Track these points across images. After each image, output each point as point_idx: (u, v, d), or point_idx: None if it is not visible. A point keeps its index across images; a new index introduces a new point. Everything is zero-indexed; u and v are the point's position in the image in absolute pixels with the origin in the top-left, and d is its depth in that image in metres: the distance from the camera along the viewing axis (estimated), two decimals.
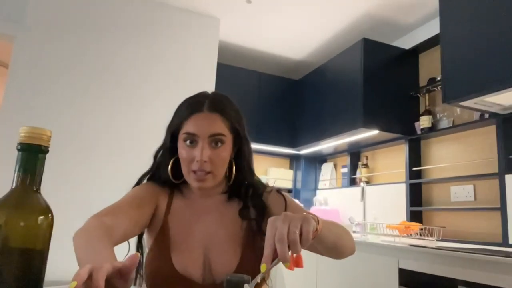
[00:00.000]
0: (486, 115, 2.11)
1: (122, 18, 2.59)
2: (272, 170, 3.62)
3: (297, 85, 3.53)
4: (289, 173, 3.71)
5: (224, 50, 3.27)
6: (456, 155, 2.37)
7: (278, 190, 1.01)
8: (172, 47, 2.69)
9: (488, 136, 2.15)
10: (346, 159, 3.32)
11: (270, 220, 0.61)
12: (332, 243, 0.78)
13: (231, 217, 0.95)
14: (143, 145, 2.36)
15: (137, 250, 0.97)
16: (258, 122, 3.29)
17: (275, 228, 0.59)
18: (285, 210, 0.94)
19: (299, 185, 3.67)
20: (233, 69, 3.29)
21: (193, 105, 0.91)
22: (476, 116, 2.21)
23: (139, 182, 0.97)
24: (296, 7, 2.66)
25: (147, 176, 0.98)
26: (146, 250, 0.94)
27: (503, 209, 1.94)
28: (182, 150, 0.89)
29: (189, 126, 0.88)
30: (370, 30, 2.83)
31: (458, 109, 2.32)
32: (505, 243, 1.91)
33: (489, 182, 2.10)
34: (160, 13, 2.69)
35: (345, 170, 3.28)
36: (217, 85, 2.73)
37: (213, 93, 0.96)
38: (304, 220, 0.61)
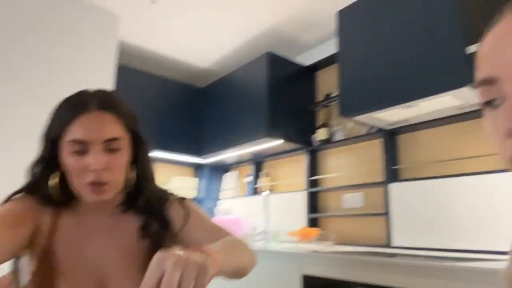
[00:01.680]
0: (374, 130, 2.35)
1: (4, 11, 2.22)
2: (175, 179, 3.48)
3: (202, 93, 3.48)
4: (193, 182, 3.62)
5: (126, 52, 3.06)
6: (349, 166, 2.59)
7: (181, 199, 0.93)
8: (65, 45, 2.41)
9: (376, 148, 2.40)
10: (250, 169, 3.37)
11: (156, 257, 0.50)
12: (232, 271, 0.71)
13: (129, 236, 0.83)
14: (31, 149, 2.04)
15: (13, 278, 0.80)
16: (161, 129, 3.14)
17: (161, 271, 0.48)
18: (186, 223, 0.87)
19: (202, 194, 3.60)
20: (135, 73, 3.09)
21: (77, 105, 0.75)
22: (364, 130, 2.44)
23: (7, 200, 0.78)
24: (203, 14, 2.63)
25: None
26: (26, 278, 0.79)
27: (387, 214, 2.17)
28: (70, 160, 0.74)
29: (76, 131, 0.73)
30: (274, 45, 2.94)
31: (350, 123, 2.54)
32: (388, 244, 2.14)
33: (376, 190, 2.33)
34: (49, 6, 2.39)
35: (249, 179, 3.33)
36: (116, 88, 2.53)
37: (98, 90, 0.82)
38: (200, 269, 0.51)
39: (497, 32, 0.41)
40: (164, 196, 0.91)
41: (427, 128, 2.14)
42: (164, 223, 0.87)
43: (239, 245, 0.82)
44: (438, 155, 2.08)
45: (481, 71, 0.41)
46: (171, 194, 0.94)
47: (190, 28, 2.80)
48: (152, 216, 0.86)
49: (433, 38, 1.74)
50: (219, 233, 0.87)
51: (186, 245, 0.88)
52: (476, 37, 1.56)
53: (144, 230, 0.84)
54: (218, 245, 0.70)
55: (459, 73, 1.62)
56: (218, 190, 3.66)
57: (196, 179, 3.65)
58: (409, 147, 2.23)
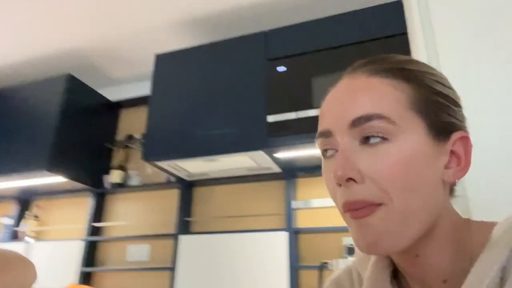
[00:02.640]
0: (173, 179, 2.31)
1: None
2: None
3: None
4: None
5: None
6: (140, 214, 2.42)
7: None
8: None
9: (171, 199, 2.34)
10: (11, 207, 2.69)
11: None
12: None
13: None
14: None
15: None
16: None
17: None
18: None
19: None
20: None
21: None
22: (163, 178, 2.37)
23: None
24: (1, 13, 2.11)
25: None
26: None
27: (173, 269, 2.08)
28: None
29: None
30: (78, 69, 2.61)
31: (150, 169, 2.41)
32: None
33: (165, 242, 2.23)
34: None
35: (8, 220, 2.63)
36: None
37: None
38: None
39: (334, 93, 0.47)
40: None
41: (222, 184, 2.26)
42: None
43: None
44: (228, 210, 2.20)
45: (320, 125, 0.47)
46: None
47: None
48: None
49: (240, 103, 1.91)
50: None
51: None
52: (275, 110, 1.80)
53: None
54: None
55: (258, 137, 1.80)
56: None
57: None
58: (204, 201, 2.28)
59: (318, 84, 1.78)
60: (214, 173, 2.15)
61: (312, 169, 2.00)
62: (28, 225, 2.55)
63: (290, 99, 1.80)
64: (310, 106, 1.73)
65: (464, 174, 0.44)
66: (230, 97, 1.95)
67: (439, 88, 0.45)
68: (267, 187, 2.16)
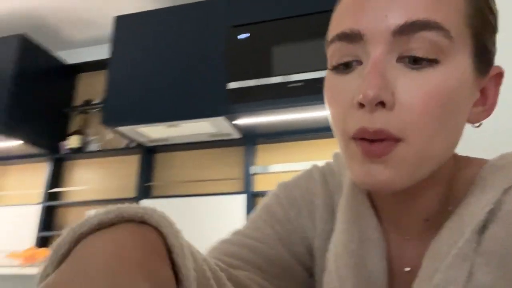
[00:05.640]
0: (133, 144, 2.31)
1: None
2: None
3: None
4: None
5: None
6: (100, 179, 2.41)
7: None
8: None
9: (131, 164, 2.34)
10: None
11: None
12: None
13: None
14: None
15: None
16: None
17: None
18: None
19: None
20: None
21: None
22: (124, 144, 2.36)
23: None
24: None
25: None
26: None
27: None
28: None
29: None
30: (32, 30, 2.49)
31: (110, 134, 2.39)
32: None
33: None
34: None
35: None
36: None
37: None
38: None
39: None
40: None
41: (183, 149, 2.29)
42: None
43: None
44: (189, 175, 2.24)
45: (343, 24, 0.35)
46: None
47: None
48: None
49: (201, 69, 1.93)
50: None
51: None
52: (236, 77, 1.84)
53: None
54: None
55: (219, 104, 1.84)
56: None
57: None
58: (164, 166, 2.31)
59: (279, 52, 1.82)
60: (175, 138, 2.17)
61: (271, 135, 2.08)
62: None
63: (251, 66, 1.84)
64: (271, 74, 1.77)
65: (487, 116, 0.38)
66: (191, 62, 1.95)
67: (493, 6, 0.37)
68: (228, 152, 2.21)
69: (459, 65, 0.33)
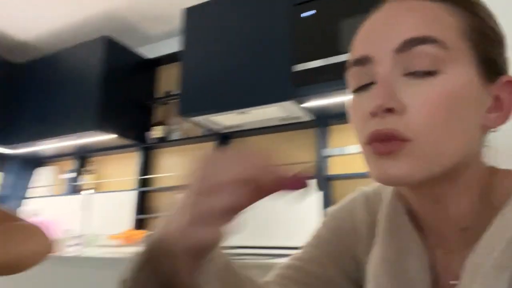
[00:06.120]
0: (209, 132, 2.39)
1: None
2: None
3: (19, 69, 2.90)
4: None
5: None
6: (183, 166, 2.57)
7: None
8: None
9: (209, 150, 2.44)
10: (71, 164, 2.98)
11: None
12: None
13: None
14: None
15: None
16: None
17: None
18: None
19: (8, 191, 2.98)
20: None
21: None
22: (200, 132, 2.46)
23: None
24: None
25: None
26: None
27: None
28: None
29: None
30: (114, 31, 2.69)
31: (188, 123, 2.51)
32: None
33: None
34: None
35: (69, 175, 2.93)
36: None
37: None
38: None
39: (375, 16, 0.42)
40: None
41: (256, 134, 2.31)
42: None
43: (19, 231, 0.69)
44: None
45: (356, 52, 0.42)
46: None
47: None
48: None
49: (267, 53, 1.90)
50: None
51: None
52: (301, 58, 1.77)
53: None
54: None
55: (285, 88, 1.80)
56: (26, 188, 3.09)
57: (1, 174, 3.01)
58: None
59: (346, 27, 1.69)
60: (247, 124, 2.19)
61: (345, 116, 1.97)
62: (85, 179, 2.83)
63: (317, 46, 1.75)
64: (338, 52, 1.67)
65: (505, 121, 0.41)
66: (257, 48, 1.93)
67: (493, 23, 0.41)
68: (300, 135, 2.18)
69: (460, 73, 0.38)
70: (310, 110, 1.94)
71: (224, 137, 2.37)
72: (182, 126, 2.57)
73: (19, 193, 3.04)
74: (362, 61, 0.41)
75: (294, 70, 1.78)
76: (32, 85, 2.81)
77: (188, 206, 0.32)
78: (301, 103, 1.85)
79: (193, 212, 0.32)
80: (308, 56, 1.75)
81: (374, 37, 0.40)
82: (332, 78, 1.66)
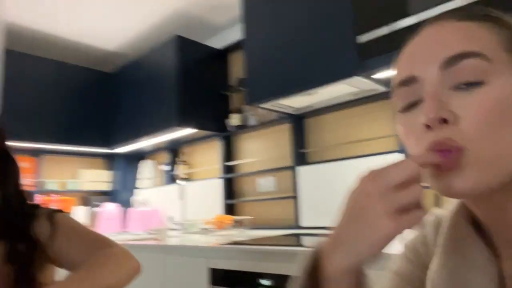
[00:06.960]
0: (282, 115, 2.39)
1: None
2: (83, 172, 3.26)
3: (109, 78, 3.25)
4: (104, 174, 3.42)
5: (16, 35, 2.72)
6: (262, 150, 2.63)
7: (51, 213, 0.87)
8: None
9: (285, 133, 2.45)
10: (166, 156, 3.27)
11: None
12: None
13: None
14: None
15: None
16: (61, 119, 2.88)
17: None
18: (53, 239, 0.82)
19: (118, 186, 3.43)
20: (27, 58, 2.77)
21: None
22: (274, 116, 2.47)
23: None
24: None
25: None
26: None
27: (296, 196, 2.25)
28: None
29: None
30: (183, 27, 2.81)
31: (259, 110, 2.54)
32: (296, 225, 2.23)
33: (286, 174, 2.40)
34: None
35: (166, 167, 3.23)
36: (6, 75, 2.24)
37: None
38: None
39: (418, 39, 0.45)
40: (30, 213, 0.85)
41: (330, 112, 2.23)
42: (32, 243, 0.81)
43: (109, 262, 0.78)
44: (340, 137, 2.18)
45: (401, 73, 0.44)
46: (40, 208, 0.88)
47: (91, 8, 2.56)
48: (17, 238, 0.80)
49: (328, 29, 1.78)
50: (95, 246, 0.84)
51: (61, 262, 0.85)
52: (364, 28, 1.63)
53: (10, 255, 0.79)
54: (74, 276, 0.69)
55: (350, 63, 1.68)
56: (134, 180, 3.51)
57: (108, 171, 3.46)
58: (315, 131, 2.32)
59: None
60: (319, 103, 2.13)
61: None
62: (179, 169, 3.09)
63: (379, 11, 1.59)
64: (404, 15, 1.50)
65: None
66: (317, 24, 1.83)
67: None
68: (375, 108, 2.04)
69: (506, 82, 0.39)
70: (383, 81, 1.79)
71: (298, 118, 2.35)
72: (257, 112, 2.61)
73: (128, 186, 3.47)
74: (408, 82, 0.43)
75: (358, 42, 1.65)
76: (123, 91, 3.12)
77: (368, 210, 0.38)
78: (371, 75, 1.72)
79: (386, 207, 0.36)
80: (372, 25, 1.61)
81: (418, 58, 0.42)
82: (398, 46, 1.50)
